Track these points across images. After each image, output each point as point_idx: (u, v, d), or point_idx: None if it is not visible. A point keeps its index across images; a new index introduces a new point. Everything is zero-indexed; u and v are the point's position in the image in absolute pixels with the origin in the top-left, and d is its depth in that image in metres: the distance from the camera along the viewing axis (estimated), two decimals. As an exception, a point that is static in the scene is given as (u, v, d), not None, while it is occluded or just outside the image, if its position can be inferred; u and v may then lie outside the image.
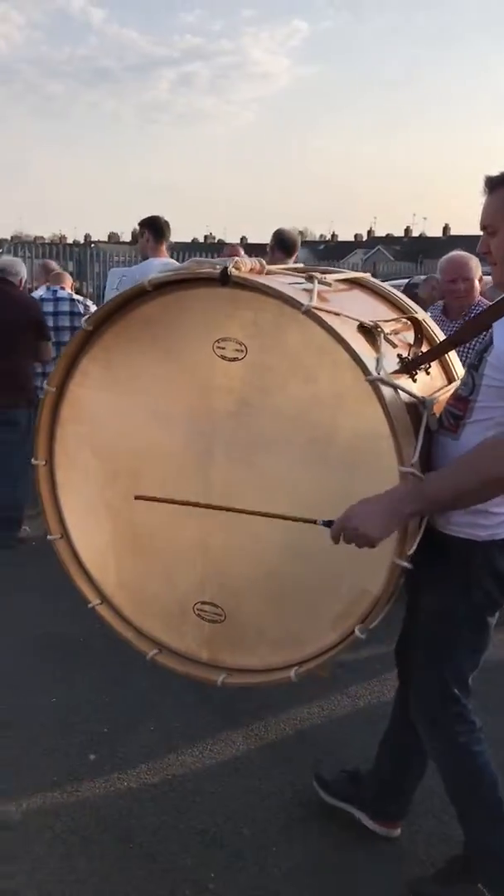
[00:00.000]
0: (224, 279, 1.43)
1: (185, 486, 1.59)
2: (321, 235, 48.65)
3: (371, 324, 1.50)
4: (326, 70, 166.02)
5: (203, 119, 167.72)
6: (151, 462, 1.64)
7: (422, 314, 1.80)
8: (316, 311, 1.38)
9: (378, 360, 1.40)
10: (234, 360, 1.51)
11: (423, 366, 1.56)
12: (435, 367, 1.70)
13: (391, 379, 1.41)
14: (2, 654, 2.64)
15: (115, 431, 1.67)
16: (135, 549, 1.71)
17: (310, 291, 1.45)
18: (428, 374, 1.60)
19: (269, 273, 1.55)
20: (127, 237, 35.09)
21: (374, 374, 1.36)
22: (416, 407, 1.48)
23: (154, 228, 3.51)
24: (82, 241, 31.85)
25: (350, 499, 1.36)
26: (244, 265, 1.46)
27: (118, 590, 1.75)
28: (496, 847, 1.57)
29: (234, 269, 1.43)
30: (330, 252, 33.46)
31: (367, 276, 1.90)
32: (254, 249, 4.82)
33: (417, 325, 1.68)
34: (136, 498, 1.58)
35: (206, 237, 37.09)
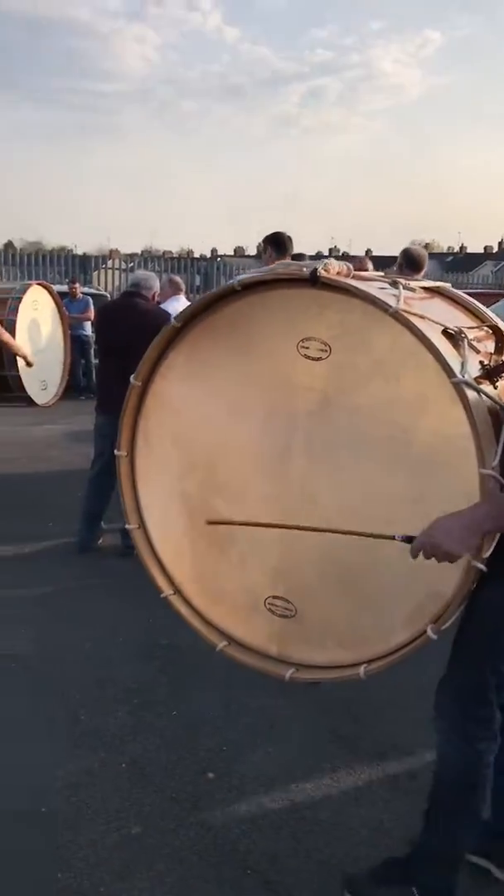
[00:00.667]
0: (314, 279, 1.47)
1: (260, 480, 1.63)
2: (449, 248, 47.88)
3: (455, 329, 1.52)
4: (460, 80, 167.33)
5: (331, 132, 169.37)
6: (228, 455, 1.68)
7: (502, 324, 1.81)
8: (403, 314, 1.41)
9: (463, 364, 1.42)
10: (318, 359, 1.54)
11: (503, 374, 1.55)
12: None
13: (475, 383, 1.42)
14: (121, 664, 2.66)
15: (195, 423, 1.72)
16: (210, 540, 1.75)
17: (396, 295, 1.48)
18: None
19: (357, 277, 1.58)
20: (252, 251, 35.48)
21: (460, 376, 1.38)
22: (498, 414, 1.48)
23: (276, 244, 3.65)
24: (209, 255, 31.76)
25: (427, 499, 1.38)
26: (332, 268, 1.50)
27: (191, 580, 1.79)
28: (452, 856, 1.58)
29: (323, 271, 1.47)
30: (458, 264, 32.28)
31: (448, 285, 1.94)
32: (379, 262, 4.85)
33: (499, 334, 1.69)
34: (209, 523, 1.63)
35: (330, 250, 36.89)
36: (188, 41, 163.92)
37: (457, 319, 1.70)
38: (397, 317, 1.41)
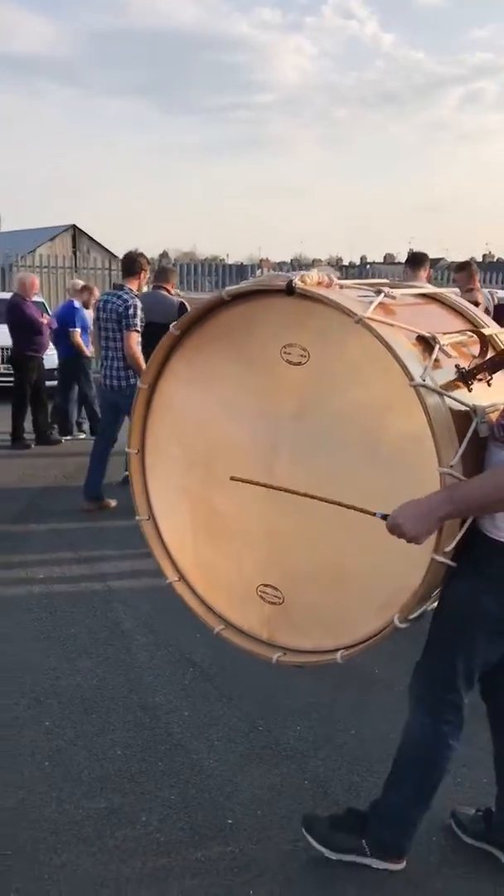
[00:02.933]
0: (289, 290, 1.59)
1: (255, 475, 1.73)
2: None
3: (429, 335, 1.59)
4: None
5: (487, 136, 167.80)
6: (224, 453, 1.80)
7: (493, 330, 1.85)
8: (368, 321, 1.50)
9: (426, 368, 1.49)
10: (299, 364, 1.65)
11: (479, 377, 1.61)
12: (502, 379, 1.73)
13: (436, 385, 1.49)
14: (298, 676, 2.49)
15: (195, 424, 1.85)
16: (209, 531, 1.88)
17: (370, 303, 1.57)
18: (490, 385, 1.65)
19: (339, 287, 1.67)
20: (402, 258, 35.86)
21: (419, 380, 1.45)
22: (468, 414, 1.55)
23: (412, 262, 4.28)
24: (358, 263, 31.58)
25: (397, 496, 1.46)
26: (310, 278, 1.60)
27: (193, 568, 1.92)
28: (402, 817, 1.72)
29: (298, 282, 1.58)
30: None
31: (447, 292, 1.98)
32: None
33: (483, 340, 1.74)
34: (232, 479, 1.72)
35: (484, 256, 36.82)
36: (343, 49, 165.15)
37: (444, 325, 1.75)
38: (362, 323, 1.50)
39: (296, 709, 2.47)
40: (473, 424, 1.54)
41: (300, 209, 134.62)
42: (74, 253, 20.90)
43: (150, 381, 1.90)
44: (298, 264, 16.48)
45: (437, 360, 1.58)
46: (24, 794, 2.01)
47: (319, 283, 1.63)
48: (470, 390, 1.60)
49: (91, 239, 26.80)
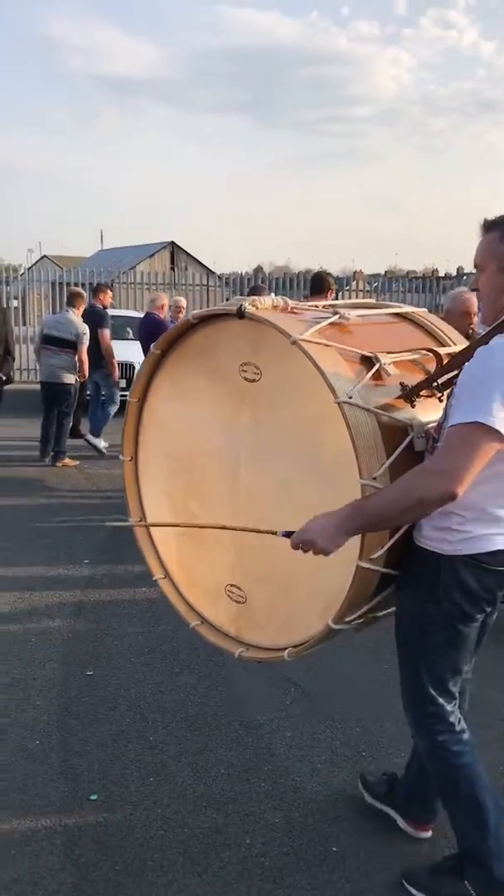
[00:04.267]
0: (240, 314, 1.72)
1: (222, 485, 1.90)
2: None
3: (371, 354, 1.69)
4: None
5: None
6: (200, 462, 1.96)
7: (454, 348, 1.89)
8: (303, 343, 1.61)
9: (355, 386, 1.59)
10: (253, 381, 1.80)
11: (424, 394, 1.69)
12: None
13: (365, 402, 1.59)
14: (397, 698, 2.40)
15: (177, 435, 2.02)
16: (188, 534, 2.04)
17: (315, 325, 1.68)
18: (441, 401, 1.70)
19: (293, 310, 1.79)
20: None
21: (343, 397, 1.56)
22: (406, 429, 1.65)
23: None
24: (454, 274, 32.41)
25: (333, 504, 1.55)
26: (261, 303, 1.73)
27: (176, 567, 2.10)
28: (474, 848, 1.67)
29: (249, 306, 1.70)
30: None
31: (422, 311, 2.07)
32: None
33: (438, 358, 1.78)
34: (146, 525, 1.98)
35: None
36: (442, 59, 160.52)
37: (401, 344, 1.84)
38: (296, 345, 1.61)
39: (398, 735, 2.36)
40: (409, 438, 1.62)
41: (395, 221, 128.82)
42: (172, 269, 21.35)
43: (139, 396, 2.08)
44: (392, 276, 16.05)
45: (378, 378, 1.68)
46: (131, 810, 2.07)
47: (274, 307, 1.75)
48: (413, 406, 1.68)
49: (189, 255, 27.42)
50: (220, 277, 16.86)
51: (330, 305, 1.99)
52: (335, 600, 1.65)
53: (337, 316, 1.78)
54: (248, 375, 1.80)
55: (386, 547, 1.59)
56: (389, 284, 14.03)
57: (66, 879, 1.82)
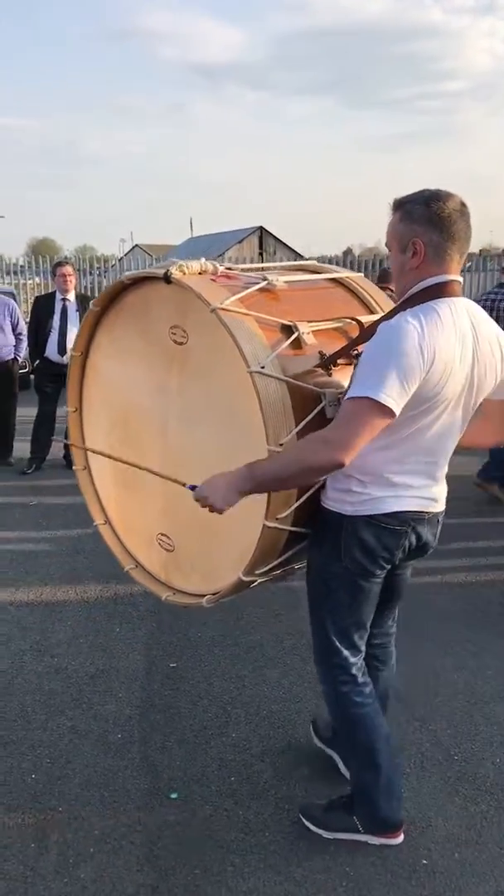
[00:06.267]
0: (167, 279, 1.76)
1: (154, 438, 2.00)
2: None
3: (291, 323, 1.73)
4: None
5: None
6: (135, 415, 2.06)
7: (376, 316, 1.89)
8: (221, 312, 1.65)
9: (269, 356, 1.65)
10: (181, 344, 1.85)
11: (341, 362, 1.76)
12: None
13: (276, 371, 1.65)
14: (494, 701, 2.47)
15: (115, 389, 2.11)
16: (125, 483, 2.16)
17: (240, 292, 1.72)
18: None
19: (224, 275, 1.82)
20: None
21: (255, 367, 1.62)
22: (318, 397, 1.71)
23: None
24: None
25: (243, 461, 1.61)
26: (188, 268, 1.74)
27: (114, 514, 2.23)
28: (365, 788, 1.83)
29: (175, 272, 1.73)
30: None
31: (359, 276, 2.09)
32: None
33: (361, 327, 1.83)
34: (86, 449, 2.10)
35: None
36: None
37: (328, 312, 1.88)
38: (215, 314, 1.65)
39: (494, 738, 2.27)
40: (320, 406, 1.69)
41: (490, 198, 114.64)
42: (261, 254, 20.87)
43: (82, 350, 2.17)
44: (487, 254, 14.98)
45: (297, 347, 1.73)
46: (211, 811, 2.01)
47: (203, 272, 1.77)
48: (329, 374, 1.75)
49: (277, 239, 26.61)
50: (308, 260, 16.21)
51: (262, 269, 2.01)
52: (247, 554, 1.75)
53: (265, 282, 1.82)
54: (177, 338, 1.86)
55: (292, 508, 1.70)
56: (484, 263, 13.27)
57: (144, 881, 1.79)
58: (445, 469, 1.75)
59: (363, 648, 1.85)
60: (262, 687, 2.62)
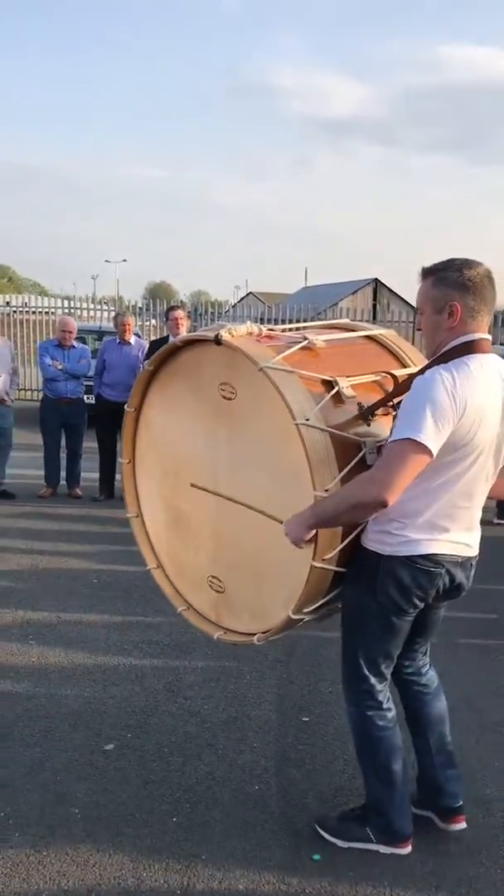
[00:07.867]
0: (217, 341, 1.96)
1: (204, 486, 2.14)
2: None
3: (332, 378, 1.93)
4: None
5: None
6: (186, 465, 2.22)
7: (411, 370, 2.08)
8: (268, 370, 1.85)
9: (314, 409, 1.84)
10: (230, 399, 2.04)
11: (379, 412, 1.96)
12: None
13: (320, 423, 1.84)
14: None
15: (167, 441, 2.29)
16: (177, 529, 2.31)
17: (285, 351, 1.92)
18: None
19: (267, 336, 2.03)
20: None
21: (301, 419, 1.80)
22: (359, 445, 1.90)
23: None
24: None
25: (296, 509, 1.81)
26: (237, 331, 1.97)
27: (166, 558, 2.37)
28: (379, 803, 1.99)
29: (225, 334, 1.94)
30: None
31: (391, 333, 2.29)
32: None
33: (395, 380, 2.03)
34: (192, 485, 2.18)
35: None
36: None
37: (364, 367, 2.08)
38: (263, 372, 1.86)
39: None
40: (362, 454, 1.88)
41: None
42: (374, 306, 21.09)
43: (136, 406, 2.35)
44: None
45: (338, 400, 1.92)
46: (356, 879, 1.89)
47: (249, 334, 1.99)
48: (368, 424, 1.94)
49: (392, 292, 26.97)
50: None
51: (303, 329, 2.23)
52: (296, 593, 1.90)
53: (306, 342, 2.02)
54: (226, 394, 2.05)
55: (337, 549, 1.86)
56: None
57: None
58: (479, 515, 1.89)
59: (388, 677, 2.00)
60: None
